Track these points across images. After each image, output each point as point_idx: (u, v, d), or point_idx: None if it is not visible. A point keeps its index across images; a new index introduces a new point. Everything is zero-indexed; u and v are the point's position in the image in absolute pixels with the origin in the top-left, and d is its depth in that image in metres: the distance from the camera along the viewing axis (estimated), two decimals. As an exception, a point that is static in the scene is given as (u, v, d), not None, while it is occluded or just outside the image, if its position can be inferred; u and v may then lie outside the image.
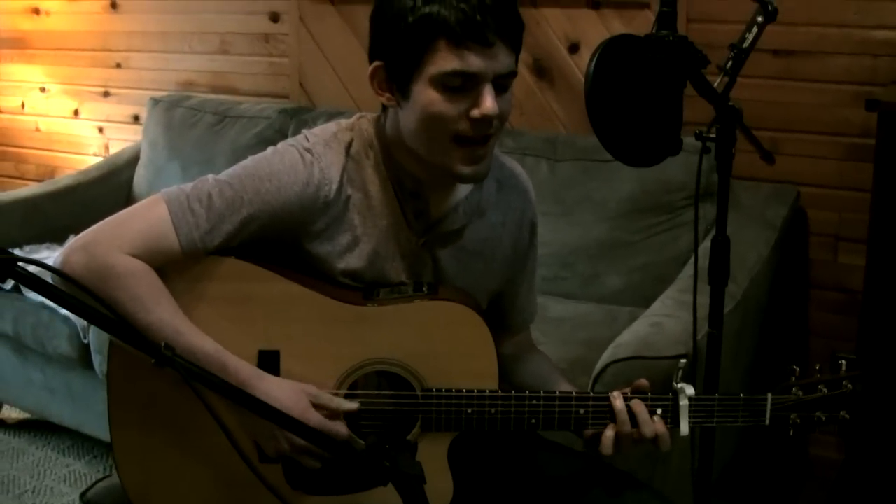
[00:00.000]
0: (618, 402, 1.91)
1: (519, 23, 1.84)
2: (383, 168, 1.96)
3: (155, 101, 4.70)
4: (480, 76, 1.79)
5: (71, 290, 1.70)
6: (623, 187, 3.52)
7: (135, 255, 1.81)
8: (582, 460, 2.10)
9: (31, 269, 1.48)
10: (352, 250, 1.95)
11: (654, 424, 1.90)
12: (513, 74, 1.85)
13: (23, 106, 5.52)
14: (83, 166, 4.92)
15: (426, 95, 1.80)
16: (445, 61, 1.77)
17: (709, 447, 2.00)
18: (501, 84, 1.83)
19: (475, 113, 1.80)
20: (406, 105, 1.85)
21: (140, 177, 4.67)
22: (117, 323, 1.49)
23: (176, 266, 1.86)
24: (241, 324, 1.89)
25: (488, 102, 1.79)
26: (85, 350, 3.60)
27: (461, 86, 1.79)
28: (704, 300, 1.95)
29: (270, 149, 1.95)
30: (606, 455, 1.91)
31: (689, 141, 1.94)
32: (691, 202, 3.40)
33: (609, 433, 1.90)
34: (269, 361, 1.90)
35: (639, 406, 1.91)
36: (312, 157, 1.91)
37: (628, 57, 1.80)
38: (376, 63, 1.88)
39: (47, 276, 1.58)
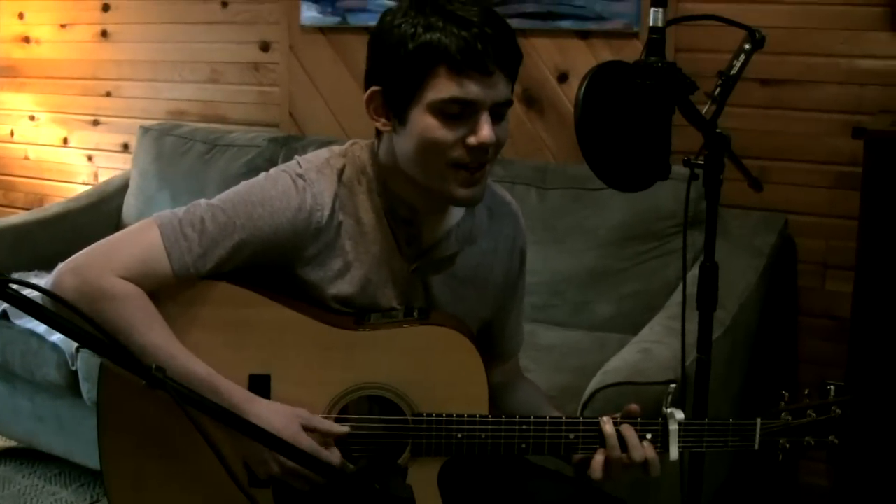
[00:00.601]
0: (607, 426, 1.91)
1: (518, 53, 1.86)
2: (376, 195, 1.96)
3: (145, 130, 4.70)
4: (479, 104, 1.80)
5: (62, 312, 1.70)
6: (613, 215, 3.53)
7: (127, 279, 1.82)
8: (573, 486, 2.10)
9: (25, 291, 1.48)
10: (343, 276, 1.96)
11: (643, 449, 1.90)
12: (509, 103, 1.87)
13: (12, 134, 5.52)
14: (72, 195, 4.91)
15: (424, 122, 1.81)
16: (445, 88, 1.79)
17: (698, 474, 2.00)
18: (498, 112, 1.85)
19: (472, 140, 1.81)
20: (402, 131, 1.86)
21: (130, 205, 4.67)
22: (109, 345, 1.49)
23: (168, 290, 1.86)
24: (232, 348, 1.90)
25: (485, 130, 1.81)
26: (73, 378, 3.58)
27: (459, 113, 1.81)
28: (693, 327, 1.96)
29: (263, 174, 1.96)
30: (596, 480, 1.91)
31: (677, 169, 1.95)
32: (680, 230, 3.41)
33: (599, 458, 1.90)
34: (259, 385, 1.90)
35: (628, 430, 1.91)
36: (305, 183, 1.91)
37: (618, 83, 1.81)
38: (374, 88, 1.89)
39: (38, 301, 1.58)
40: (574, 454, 1.96)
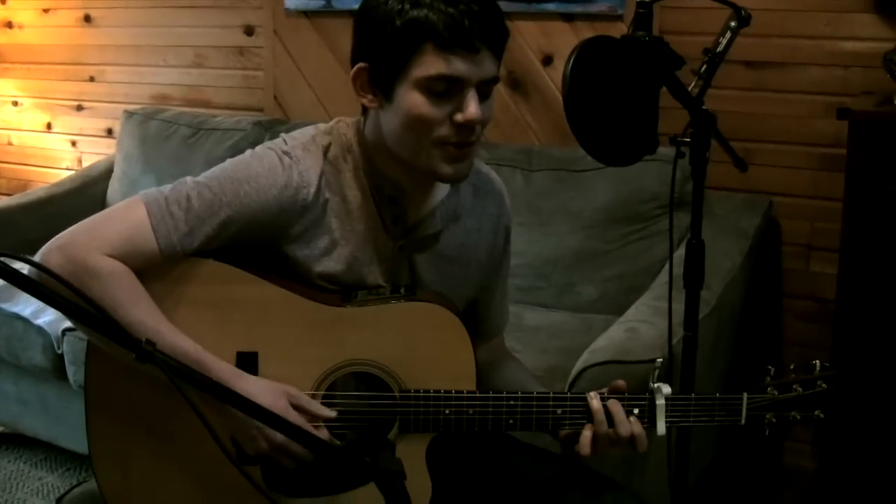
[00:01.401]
0: (594, 402, 1.91)
1: (504, 30, 1.86)
2: (361, 172, 1.96)
3: (129, 114, 4.69)
4: (465, 81, 1.80)
5: (53, 288, 1.69)
6: (597, 197, 3.54)
7: (113, 257, 1.81)
8: (560, 463, 2.11)
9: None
10: (329, 254, 1.96)
11: (630, 424, 1.91)
12: (496, 80, 1.87)
13: (-5, 120, 5.51)
14: (56, 180, 4.90)
15: (410, 98, 1.81)
16: (432, 65, 1.79)
17: (685, 453, 2.01)
18: (484, 90, 1.85)
19: (459, 118, 1.81)
20: (389, 107, 1.86)
21: (114, 190, 4.66)
22: (99, 320, 1.49)
23: (155, 268, 1.86)
24: (219, 325, 1.89)
25: (472, 107, 1.81)
26: (59, 361, 3.57)
27: (446, 90, 1.81)
28: (679, 307, 1.96)
29: (249, 152, 1.95)
30: (584, 455, 1.91)
31: (662, 150, 1.95)
32: (665, 212, 3.43)
33: (586, 433, 1.91)
34: (247, 363, 1.89)
35: (615, 406, 1.91)
36: (291, 161, 1.91)
37: (605, 58, 1.82)
38: (360, 65, 1.88)
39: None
40: (561, 430, 1.96)
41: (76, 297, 1.48)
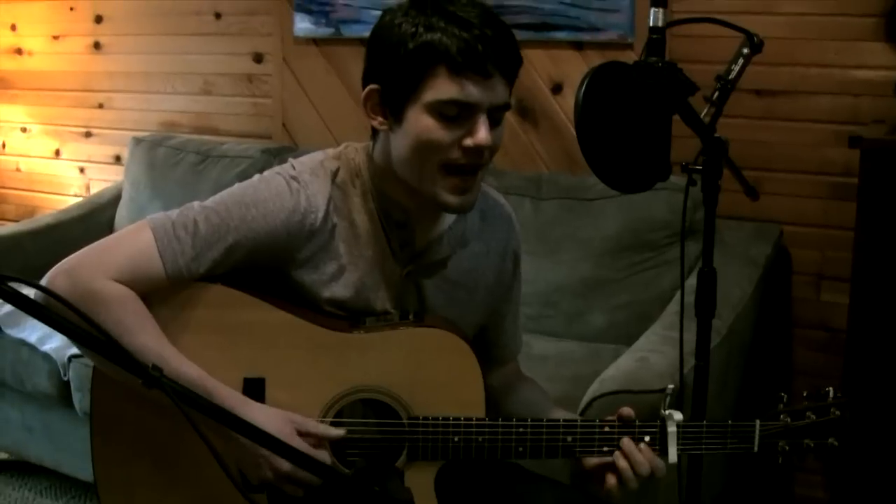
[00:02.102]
0: (621, 461, 1.91)
1: (517, 57, 1.86)
2: (370, 197, 1.96)
3: (137, 141, 4.69)
4: (477, 106, 1.80)
5: (59, 313, 1.68)
6: (607, 225, 3.53)
7: (120, 281, 1.80)
8: (570, 493, 2.09)
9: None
10: (337, 279, 1.95)
11: (647, 457, 1.89)
12: (507, 107, 1.86)
13: (4, 146, 5.50)
14: (64, 207, 4.89)
15: (421, 121, 1.81)
16: (444, 89, 1.78)
17: (696, 482, 1.99)
18: (495, 116, 1.84)
19: (469, 142, 1.81)
20: (399, 130, 1.85)
21: (122, 217, 4.65)
22: (106, 345, 1.47)
23: (161, 293, 1.85)
24: (226, 351, 1.88)
25: (482, 132, 1.80)
26: (65, 387, 3.55)
27: (457, 114, 1.80)
28: (690, 336, 1.94)
29: (257, 176, 1.95)
30: (616, 498, 1.92)
31: (673, 179, 1.94)
32: (675, 240, 3.42)
33: (612, 481, 1.91)
34: (254, 389, 1.88)
35: (628, 445, 1.91)
36: (299, 185, 1.90)
37: (618, 83, 1.80)
38: (371, 86, 1.88)
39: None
40: (587, 460, 1.95)
41: (82, 322, 1.47)
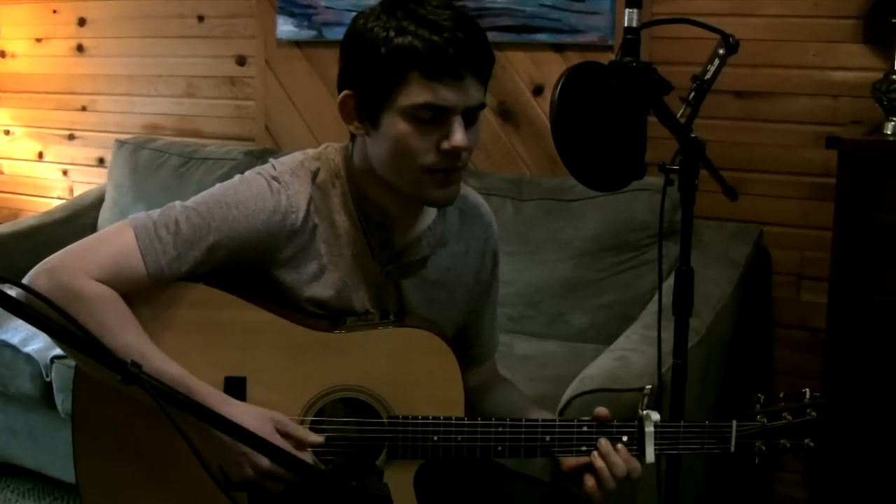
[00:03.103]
0: (598, 461, 1.92)
1: (490, 57, 1.87)
2: (349, 198, 1.97)
3: (120, 144, 4.69)
4: (451, 109, 1.81)
5: (41, 311, 1.69)
6: (587, 226, 3.54)
7: (101, 281, 1.81)
8: (549, 490, 2.10)
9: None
10: (318, 279, 1.96)
11: (623, 459, 1.91)
12: (482, 107, 1.87)
13: (-14, 149, 5.50)
14: (47, 209, 4.89)
15: (396, 126, 1.82)
16: (417, 93, 1.79)
17: (675, 483, 2.00)
18: (470, 117, 1.85)
19: (445, 145, 1.82)
20: (375, 134, 1.86)
21: (105, 219, 4.65)
22: (86, 342, 1.48)
23: (143, 292, 1.86)
24: (208, 350, 1.89)
25: (458, 135, 1.81)
26: (47, 389, 3.55)
27: (432, 118, 1.81)
28: (669, 336, 1.96)
29: (238, 177, 1.96)
30: (595, 497, 1.94)
31: (651, 180, 1.95)
32: (654, 241, 3.43)
33: (591, 483, 1.92)
34: (235, 388, 1.89)
35: (605, 445, 1.92)
36: (279, 186, 1.91)
37: (593, 83, 1.82)
38: (346, 92, 1.89)
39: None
40: (565, 461, 1.96)
41: (63, 320, 1.48)
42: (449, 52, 1.77)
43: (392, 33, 1.79)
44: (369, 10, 1.86)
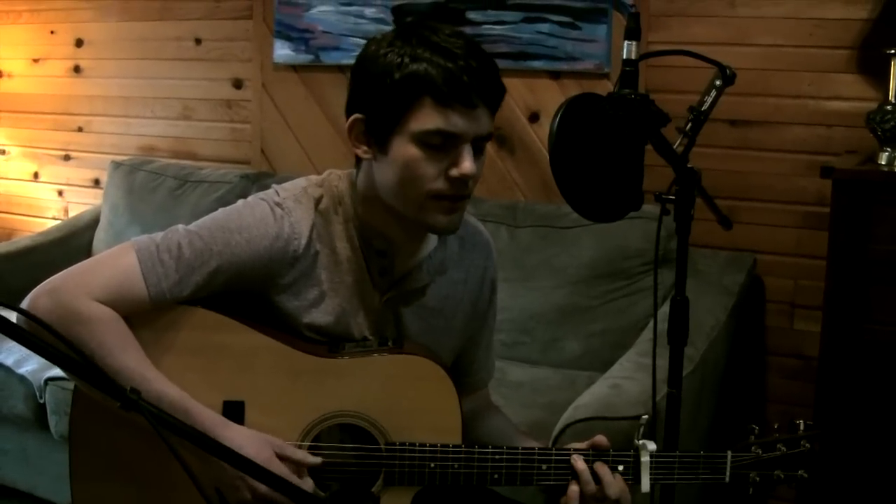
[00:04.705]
0: (579, 463, 1.92)
1: (501, 87, 1.88)
2: (351, 225, 1.98)
3: (116, 165, 4.70)
4: (462, 136, 1.82)
5: (39, 334, 1.69)
6: (582, 253, 3.56)
7: (103, 302, 1.82)
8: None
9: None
10: (318, 305, 1.97)
11: (618, 484, 1.91)
12: (490, 137, 1.89)
13: (-18, 168, 5.50)
14: (42, 229, 4.89)
15: (406, 151, 1.83)
16: (429, 119, 1.80)
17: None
18: (479, 146, 1.87)
19: (454, 172, 1.83)
20: (383, 159, 1.88)
21: (100, 240, 4.65)
22: (85, 367, 1.48)
23: (144, 315, 1.86)
24: (206, 374, 1.90)
25: (467, 163, 1.83)
26: (41, 410, 3.54)
27: (441, 144, 1.82)
28: (663, 363, 1.97)
29: (241, 202, 1.96)
30: None
31: (648, 208, 1.97)
32: (649, 268, 3.44)
33: (574, 487, 1.91)
34: (233, 412, 1.90)
35: (602, 468, 1.92)
36: (283, 212, 1.92)
37: (591, 114, 1.83)
38: (356, 116, 1.90)
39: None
40: (549, 486, 1.96)
41: (62, 344, 1.48)
42: (463, 79, 1.79)
43: (406, 59, 1.81)
44: (382, 35, 1.88)
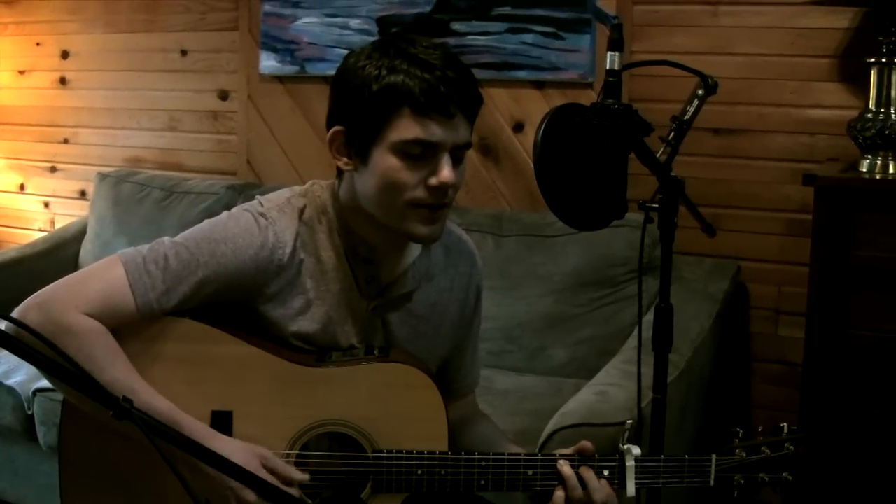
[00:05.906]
0: (566, 468, 1.94)
1: (478, 97, 1.91)
2: (336, 233, 1.99)
3: (102, 176, 4.69)
4: (440, 145, 1.84)
5: (31, 345, 1.70)
6: (567, 262, 3.58)
7: (91, 315, 1.83)
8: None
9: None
10: (304, 314, 1.98)
11: (603, 488, 1.93)
12: (468, 146, 1.91)
13: (-32, 180, 5.50)
14: (28, 241, 4.89)
15: (386, 161, 1.85)
16: (408, 129, 1.83)
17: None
18: (457, 155, 1.89)
19: (433, 181, 1.85)
20: (364, 170, 1.90)
21: (86, 252, 4.65)
22: (77, 377, 1.50)
23: (132, 326, 1.88)
24: (195, 384, 1.91)
25: (446, 171, 1.85)
26: (29, 422, 3.54)
27: (421, 154, 1.84)
28: (648, 370, 1.99)
29: (226, 213, 1.98)
30: None
31: (631, 216, 1.99)
32: (634, 276, 3.47)
33: (559, 493, 1.93)
34: (221, 422, 1.91)
35: (588, 472, 1.93)
36: (267, 222, 1.94)
37: (576, 124, 1.85)
38: (336, 128, 1.92)
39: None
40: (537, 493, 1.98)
41: (54, 354, 1.50)
42: (440, 90, 1.81)
43: (384, 71, 1.83)
44: (360, 49, 1.91)
